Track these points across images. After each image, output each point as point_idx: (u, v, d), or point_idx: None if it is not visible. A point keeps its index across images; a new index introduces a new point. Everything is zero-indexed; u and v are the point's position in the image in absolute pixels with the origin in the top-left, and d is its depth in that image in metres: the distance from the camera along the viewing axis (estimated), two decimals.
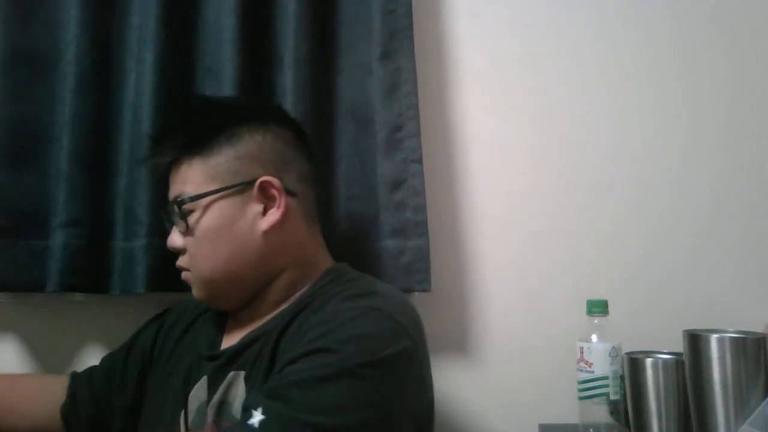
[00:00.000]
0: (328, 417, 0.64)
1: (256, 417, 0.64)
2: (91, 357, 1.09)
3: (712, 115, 1.12)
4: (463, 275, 1.11)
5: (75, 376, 0.96)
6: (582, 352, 0.94)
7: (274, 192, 0.82)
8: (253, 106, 0.90)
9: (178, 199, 0.83)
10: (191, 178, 0.83)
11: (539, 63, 1.14)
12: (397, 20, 1.08)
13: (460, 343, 1.11)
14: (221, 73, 1.05)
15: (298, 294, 0.83)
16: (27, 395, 0.94)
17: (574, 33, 1.15)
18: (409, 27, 1.08)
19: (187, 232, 0.83)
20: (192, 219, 0.82)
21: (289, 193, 0.83)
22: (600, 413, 0.93)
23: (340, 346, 0.68)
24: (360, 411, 0.66)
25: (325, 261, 0.88)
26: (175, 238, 0.85)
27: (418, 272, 1.03)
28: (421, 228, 1.04)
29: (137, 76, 1.06)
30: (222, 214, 0.81)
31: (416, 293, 1.05)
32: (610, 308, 0.96)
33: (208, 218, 0.82)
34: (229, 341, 0.84)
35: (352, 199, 1.08)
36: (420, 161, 1.06)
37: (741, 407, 0.87)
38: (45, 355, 1.10)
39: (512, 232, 1.12)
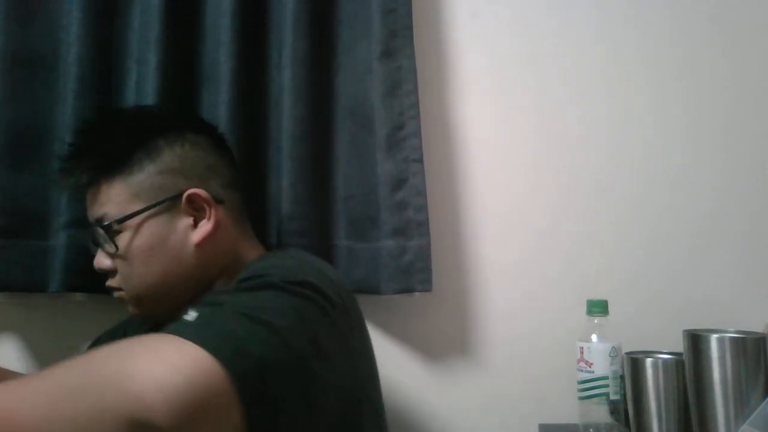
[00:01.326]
0: (262, 312, 0.62)
1: (190, 315, 0.62)
2: None
3: (713, 115, 1.12)
4: (463, 275, 1.11)
5: None
6: (582, 352, 0.94)
7: (203, 203, 0.81)
8: (167, 116, 0.87)
9: (104, 223, 0.79)
10: (113, 198, 0.80)
11: (540, 63, 1.14)
12: (397, 19, 1.08)
13: (461, 343, 1.11)
14: (220, 74, 1.05)
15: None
16: None
17: (574, 33, 1.15)
18: (409, 26, 1.08)
19: (116, 254, 0.80)
20: (120, 240, 0.79)
21: (216, 201, 0.82)
22: (600, 413, 0.93)
23: (263, 272, 0.68)
24: (286, 317, 0.64)
25: (253, 252, 0.86)
26: (103, 260, 0.82)
27: (420, 272, 1.03)
28: (422, 228, 1.04)
29: (138, 77, 1.06)
30: (152, 233, 0.79)
31: (417, 293, 1.05)
32: (610, 308, 0.96)
33: (138, 238, 0.79)
34: None
35: (351, 198, 1.08)
36: (421, 161, 1.06)
37: (741, 407, 0.87)
38: (45, 355, 1.10)
39: (513, 232, 1.12)
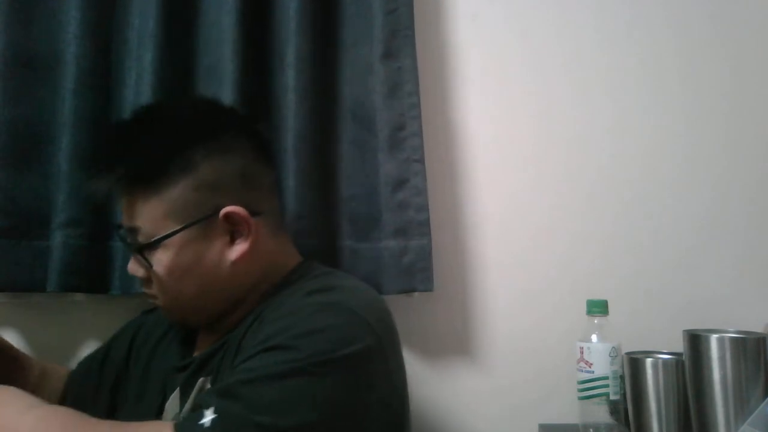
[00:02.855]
0: (278, 417, 0.62)
1: (208, 416, 0.62)
2: None
3: (713, 115, 1.12)
4: (464, 275, 1.12)
5: (71, 377, 0.95)
6: (582, 352, 0.94)
7: (240, 220, 0.77)
8: (203, 122, 0.80)
9: (138, 238, 0.77)
10: (147, 213, 0.76)
11: (540, 63, 1.14)
12: (399, 20, 1.08)
13: (462, 343, 1.11)
14: (222, 73, 1.05)
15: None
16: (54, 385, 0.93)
17: (574, 33, 1.15)
18: (411, 27, 1.08)
19: (149, 268, 0.77)
20: (154, 257, 0.76)
21: (254, 214, 0.78)
22: (600, 413, 0.93)
23: (295, 343, 0.65)
24: (313, 410, 0.63)
25: (291, 258, 0.85)
26: (137, 268, 0.80)
27: (421, 272, 1.03)
28: (423, 228, 1.04)
29: (137, 76, 1.05)
30: (186, 253, 0.76)
31: (417, 293, 1.05)
32: (610, 308, 0.96)
33: (173, 258, 0.76)
34: (200, 350, 0.83)
35: (353, 198, 1.08)
36: (422, 161, 1.06)
37: (741, 407, 0.88)
38: (45, 355, 1.09)
39: (513, 232, 1.12)
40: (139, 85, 1.05)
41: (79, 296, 1.05)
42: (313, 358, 0.64)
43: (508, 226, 1.12)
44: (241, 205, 0.76)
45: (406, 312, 1.10)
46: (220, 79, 1.05)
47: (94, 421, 0.66)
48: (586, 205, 1.12)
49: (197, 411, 0.63)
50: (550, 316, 1.10)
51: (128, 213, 0.78)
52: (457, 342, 1.11)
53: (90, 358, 0.96)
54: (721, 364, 0.89)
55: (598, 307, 0.96)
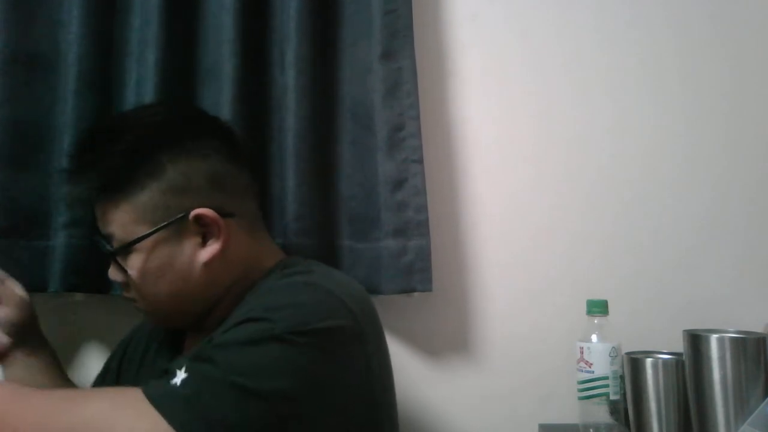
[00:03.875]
0: (251, 379, 0.62)
1: (179, 376, 0.63)
2: (92, 357, 1.09)
3: (713, 115, 1.12)
4: (464, 275, 1.12)
5: None
6: (582, 352, 0.94)
7: (210, 221, 0.77)
8: (170, 127, 0.80)
9: (112, 244, 0.78)
10: (119, 219, 0.77)
11: (539, 63, 1.14)
12: (398, 20, 1.08)
13: (461, 343, 1.11)
14: (221, 73, 1.05)
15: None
16: None
17: (574, 32, 1.15)
18: (410, 27, 1.08)
19: (125, 273, 0.79)
20: (128, 262, 0.78)
21: (226, 215, 0.78)
22: (600, 413, 0.93)
23: (270, 315, 0.66)
24: (286, 377, 0.64)
25: (272, 258, 0.84)
26: (116, 273, 0.81)
27: (420, 272, 1.03)
28: (422, 228, 1.04)
29: (138, 76, 1.06)
30: (159, 255, 0.77)
31: (417, 293, 1.05)
32: (610, 308, 0.96)
33: (146, 261, 0.77)
34: (188, 351, 0.82)
35: (352, 198, 1.08)
36: (421, 161, 1.06)
37: (741, 407, 0.88)
38: None
39: (513, 232, 1.12)
40: (139, 85, 1.05)
41: (79, 296, 1.05)
42: (289, 329, 0.65)
43: (508, 226, 1.12)
44: (211, 207, 0.77)
45: (405, 312, 1.10)
46: (220, 79, 1.05)
47: (28, 391, 0.69)
48: (586, 205, 1.12)
49: (168, 374, 0.64)
50: (550, 316, 1.10)
51: (102, 220, 0.79)
52: (456, 342, 1.11)
53: (94, 383, 0.96)
54: (721, 364, 0.89)
55: (598, 307, 0.96)
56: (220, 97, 1.05)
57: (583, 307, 0.97)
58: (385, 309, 1.08)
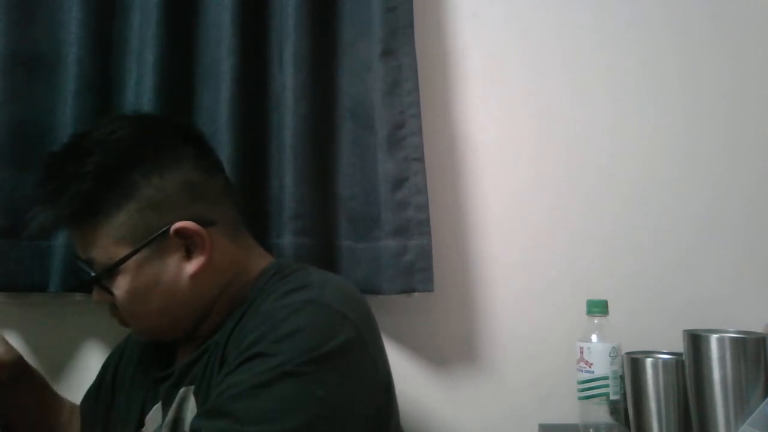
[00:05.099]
0: (272, 425, 0.61)
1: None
2: (91, 357, 1.09)
3: (713, 115, 1.12)
4: (464, 275, 1.11)
5: (81, 411, 0.95)
6: (582, 352, 0.94)
7: (192, 234, 0.75)
8: (137, 145, 0.76)
9: (93, 268, 0.76)
10: (98, 242, 0.75)
11: (540, 62, 1.14)
12: (398, 18, 1.07)
13: (461, 343, 1.11)
14: (221, 71, 1.05)
15: (241, 300, 0.79)
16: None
17: (574, 32, 1.15)
18: (410, 25, 1.08)
19: (112, 295, 0.76)
20: (113, 284, 0.75)
21: (207, 224, 0.76)
22: (600, 413, 0.93)
23: (275, 348, 0.65)
24: (305, 411, 0.63)
25: (260, 261, 0.82)
26: (101, 297, 0.78)
27: (421, 272, 1.03)
28: (423, 227, 1.04)
29: (138, 76, 1.06)
30: (144, 274, 0.75)
31: (417, 293, 1.05)
32: (610, 308, 0.96)
33: (130, 281, 0.75)
34: (180, 360, 0.82)
35: (351, 197, 1.08)
36: (422, 159, 1.06)
37: (741, 407, 0.87)
38: (45, 355, 1.10)
39: (513, 231, 1.12)
40: (139, 85, 1.05)
41: (79, 296, 1.05)
42: (297, 360, 0.64)
43: (508, 226, 1.12)
44: (191, 219, 0.75)
45: (405, 312, 1.10)
46: (218, 78, 1.05)
47: None
48: (586, 205, 1.12)
49: None
50: (550, 316, 1.10)
51: (81, 246, 0.77)
52: (456, 342, 1.11)
53: (88, 392, 0.95)
54: (721, 364, 0.89)
55: (598, 307, 0.96)
56: (219, 96, 1.05)
57: (583, 307, 0.97)
58: (385, 309, 1.08)
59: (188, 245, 0.76)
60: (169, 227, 0.75)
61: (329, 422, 0.64)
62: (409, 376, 1.10)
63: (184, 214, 0.76)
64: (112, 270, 0.75)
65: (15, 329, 1.10)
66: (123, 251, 0.74)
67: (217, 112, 1.05)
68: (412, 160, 1.05)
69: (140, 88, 1.05)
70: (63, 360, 1.09)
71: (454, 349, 1.11)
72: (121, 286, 0.75)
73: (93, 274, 0.76)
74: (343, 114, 1.09)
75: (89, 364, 1.09)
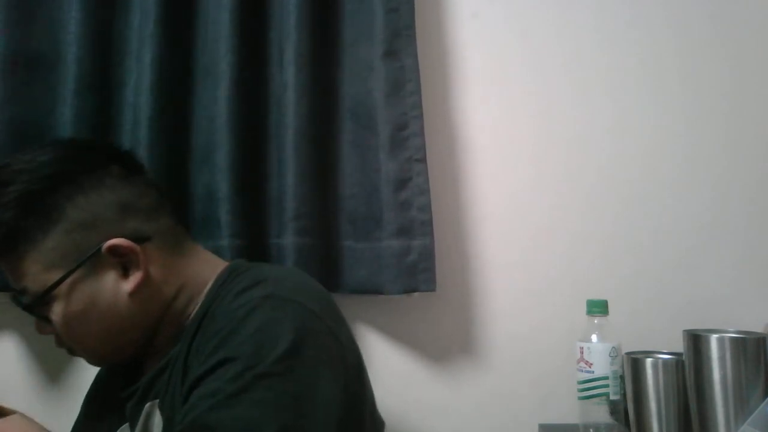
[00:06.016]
0: (259, 429, 0.60)
1: None
2: None
3: (713, 115, 1.12)
4: (465, 275, 1.12)
5: None
6: (582, 352, 0.94)
7: (126, 251, 0.74)
8: (57, 169, 0.75)
9: (27, 298, 0.74)
10: (28, 271, 0.73)
11: (541, 62, 1.14)
12: (400, 19, 1.07)
13: (463, 343, 1.11)
14: (219, 69, 1.05)
15: (197, 308, 0.77)
16: None
17: (574, 32, 1.15)
18: (412, 26, 1.08)
19: (50, 323, 0.74)
20: (50, 311, 0.74)
21: (141, 240, 0.75)
22: (600, 413, 0.93)
23: (240, 350, 0.64)
24: (285, 411, 0.62)
25: (211, 266, 0.80)
26: (43, 326, 0.76)
27: (423, 272, 1.03)
28: (426, 227, 1.04)
29: (137, 76, 1.06)
30: (80, 297, 0.73)
31: (417, 293, 1.05)
32: (610, 308, 0.96)
33: (67, 306, 0.73)
34: (148, 372, 0.80)
35: (353, 198, 1.07)
36: (424, 160, 1.06)
37: (741, 407, 0.88)
38: (45, 355, 1.10)
39: (514, 232, 1.12)
40: (139, 84, 1.05)
41: None
42: (265, 360, 0.63)
43: (508, 226, 1.12)
44: (124, 236, 0.74)
45: (407, 312, 1.10)
46: (217, 77, 1.05)
47: None
48: (586, 205, 1.12)
49: None
50: (550, 316, 1.10)
51: (12, 276, 0.76)
52: (457, 342, 1.11)
53: (78, 416, 0.93)
54: (721, 364, 0.89)
55: (598, 307, 0.96)
56: (217, 94, 1.04)
57: (583, 307, 0.97)
58: (386, 308, 1.09)
59: (124, 263, 0.74)
60: (101, 246, 0.73)
61: (309, 416, 0.64)
62: (409, 375, 1.10)
63: (117, 231, 0.74)
64: (45, 297, 0.73)
65: (15, 329, 1.10)
66: (54, 276, 0.73)
67: (215, 112, 1.04)
68: (414, 160, 1.05)
69: (140, 88, 1.05)
70: (62, 360, 1.09)
71: (455, 349, 1.11)
72: (57, 312, 0.74)
73: (24, 303, 0.74)
74: (343, 114, 1.09)
75: (88, 365, 1.08)
